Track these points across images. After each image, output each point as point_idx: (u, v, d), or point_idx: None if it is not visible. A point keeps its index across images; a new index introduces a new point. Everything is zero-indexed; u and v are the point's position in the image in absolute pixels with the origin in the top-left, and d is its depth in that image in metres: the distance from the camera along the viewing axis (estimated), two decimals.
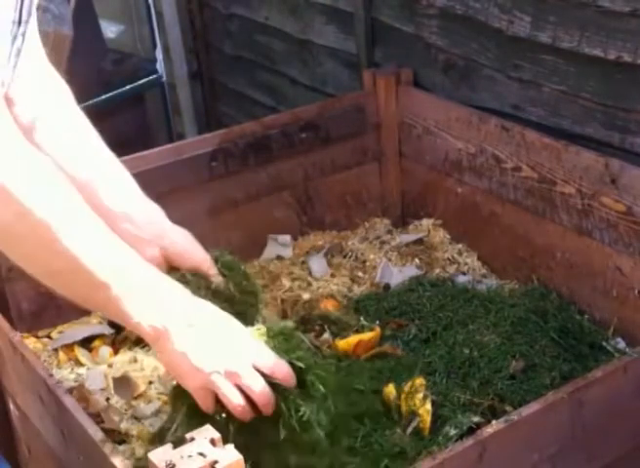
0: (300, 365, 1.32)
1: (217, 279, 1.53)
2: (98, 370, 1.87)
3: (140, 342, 1.94)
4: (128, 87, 3.44)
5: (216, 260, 1.59)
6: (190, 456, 1.20)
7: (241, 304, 1.52)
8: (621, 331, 1.87)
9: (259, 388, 1.26)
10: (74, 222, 1.22)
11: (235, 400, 1.25)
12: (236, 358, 1.26)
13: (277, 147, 2.26)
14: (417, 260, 2.24)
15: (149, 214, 1.56)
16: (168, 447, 1.23)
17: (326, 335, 1.91)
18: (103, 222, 1.27)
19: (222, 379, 1.24)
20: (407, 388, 1.61)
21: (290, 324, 1.45)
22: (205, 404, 1.28)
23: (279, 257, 2.29)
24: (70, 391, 1.68)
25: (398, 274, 2.17)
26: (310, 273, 2.22)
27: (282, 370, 1.28)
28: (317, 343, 1.88)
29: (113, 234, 1.27)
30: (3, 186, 1.15)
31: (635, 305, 1.84)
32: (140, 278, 1.26)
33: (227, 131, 2.25)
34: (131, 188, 1.57)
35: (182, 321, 1.26)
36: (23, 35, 1.25)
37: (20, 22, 1.23)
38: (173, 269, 1.53)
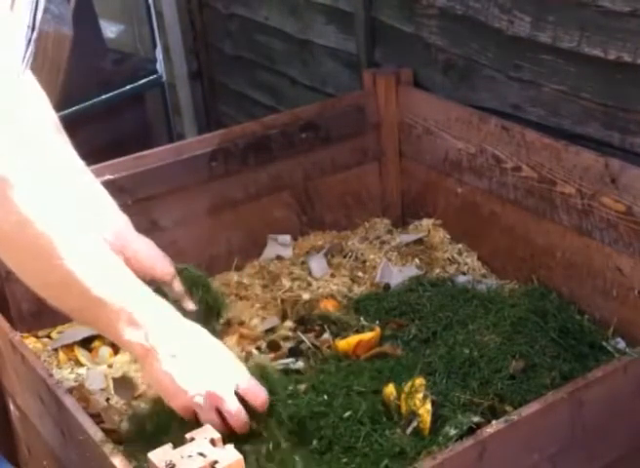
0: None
1: (178, 292, 1.55)
2: (98, 370, 1.87)
3: None
4: (128, 87, 3.44)
5: (179, 273, 1.59)
6: (190, 456, 1.20)
7: (200, 319, 1.51)
8: (621, 331, 1.87)
9: (234, 411, 1.32)
10: (74, 237, 1.22)
11: (214, 424, 1.29)
12: (218, 381, 1.32)
13: (277, 147, 2.27)
14: (417, 260, 2.24)
15: (115, 224, 1.58)
16: (168, 447, 1.23)
17: (326, 335, 1.91)
18: (100, 237, 1.28)
19: (203, 403, 1.31)
20: (407, 388, 1.61)
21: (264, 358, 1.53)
22: (189, 420, 1.34)
23: (279, 257, 2.29)
24: (70, 391, 1.68)
25: (398, 274, 2.17)
26: (310, 273, 2.22)
27: (258, 394, 1.36)
28: (317, 343, 1.89)
29: (109, 250, 1.28)
30: (6, 195, 1.14)
31: (635, 305, 1.84)
32: (133, 297, 1.28)
33: (227, 131, 2.25)
34: (100, 198, 1.58)
35: (170, 343, 1.29)
36: (34, 41, 1.26)
37: (33, 28, 1.23)
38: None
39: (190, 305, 1.60)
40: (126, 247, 1.56)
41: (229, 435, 1.32)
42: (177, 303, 1.54)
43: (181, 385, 1.30)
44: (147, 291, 1.32)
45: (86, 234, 1.25)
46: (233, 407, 1.32)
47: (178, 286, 1.58)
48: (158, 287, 1.53)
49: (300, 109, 2.36)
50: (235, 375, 1.35)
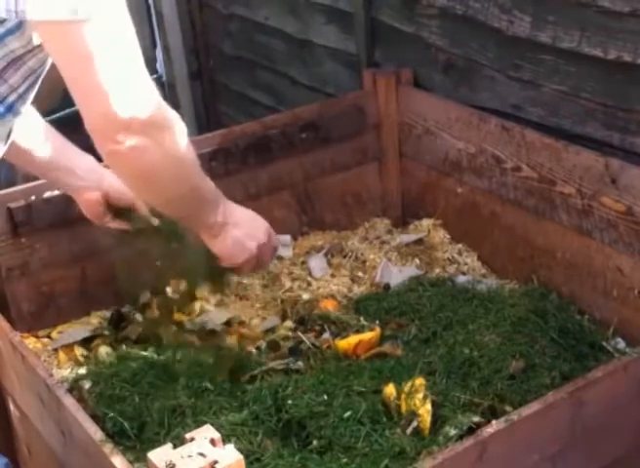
0: None
1: (144, 211, 1.83)
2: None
3: (139, 342, 1.94)
4: None
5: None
6: (190, 456, 1.20)
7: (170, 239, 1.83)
8: (621, 331, 1.87)
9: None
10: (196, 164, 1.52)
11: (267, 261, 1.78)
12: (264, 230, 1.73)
13: (277, 147, 2.27)
14: (417, 260, 2.24)
15: (88, 164, 1.79)
16: (168, 446, 1.23)
17: (326, 335, 1.91)
18: None
19: (263, 242, 1.71)
20: (407, 388, 1.61)
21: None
22: (243, 269, 1.74)
23: (279, 257, 2.29)
24: (70, 391, 1.68)
25: (398, 274, 2.17)
26: (310, 273, 2.22)
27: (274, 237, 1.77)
28: (317, 343, 1.89)
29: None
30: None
31: (635, 305, 1.84)
32: (219, 195, 1.63)
33: (227, 131, 2.25)
34: (68, 146, 1.79)
35: (232, 216, 1.65)
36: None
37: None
38: (112, 207, 1.83)
39: (155, 221, 1.85)
40: (102, 180, 1.80)
41: None
42: (144, 219, 1.84)
43: (245, 242, 1.67)
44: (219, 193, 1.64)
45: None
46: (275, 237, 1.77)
47: (142, 206, 1.83)
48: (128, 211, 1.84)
49: (300, 109, 2.36)
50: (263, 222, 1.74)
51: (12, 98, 1.44)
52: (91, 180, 1.80)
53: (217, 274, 1.81)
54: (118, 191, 1.79)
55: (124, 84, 1.33)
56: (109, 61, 1.30)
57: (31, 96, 1.50)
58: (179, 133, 1.43)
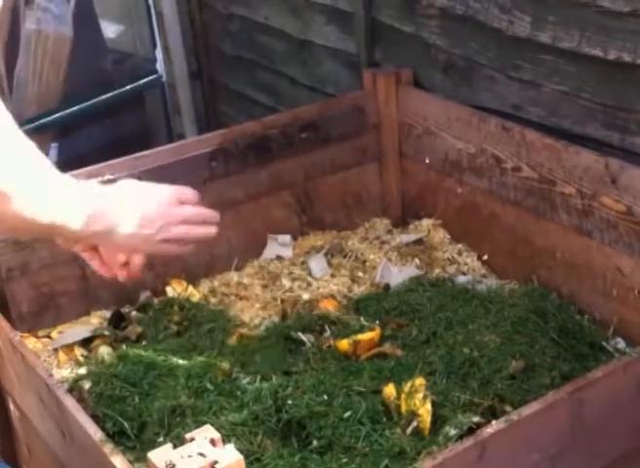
0: None
1: None
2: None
3: (139, 341, 1.94)
4: (128, 87, 3.44)
5: None
6: (190, 456, 1.20)
7: None
8: (621, 331, 1.87)
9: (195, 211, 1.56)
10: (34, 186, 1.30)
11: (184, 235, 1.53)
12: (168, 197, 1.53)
13: (277, 147, 2.27)
14: (417, 260, 2.24)
15: None
16: (168, 446, 1.23)
17: (326, 335, 1.91)
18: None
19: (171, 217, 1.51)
20: (407, 388, 1.61)
21: None
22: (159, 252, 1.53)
23: (279, 257, 2.29)
24: (70, 391, 1.68)
25: (398, 274, 2.17)
26: (310, 273, 2.22)
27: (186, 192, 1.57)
28: (317, 343, 1.88)
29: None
30: None
31: (635, 305, 1.84)
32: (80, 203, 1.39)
33: (227, 131, 2.25)
34: None
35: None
36: None
37: None
38: None
39: None
40: None
41: None
42: None
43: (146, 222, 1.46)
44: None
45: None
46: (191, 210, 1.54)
47: None
48: None
49: (300, 109, 2.36)
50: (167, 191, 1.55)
51: None
52: None
53: None
54: None
55: None
56: None
57: None
58: None
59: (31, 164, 1.30)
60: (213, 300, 2.13)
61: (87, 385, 1.74)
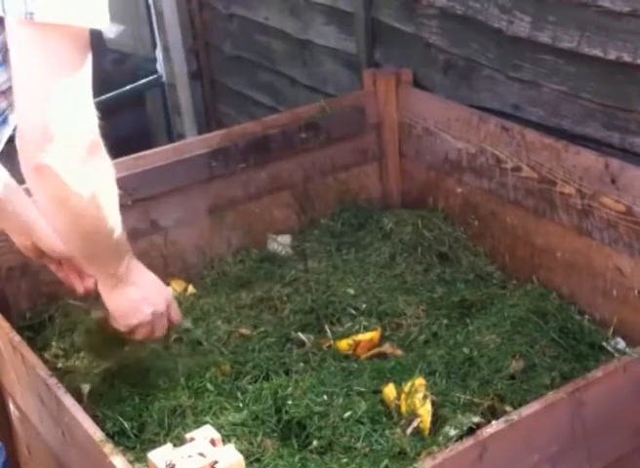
0: None
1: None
2: None
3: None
4: (128, 87, 3.44)
5: None
6: (190, 456, 1.20)
7: None
8: (621, 331, 1.87)
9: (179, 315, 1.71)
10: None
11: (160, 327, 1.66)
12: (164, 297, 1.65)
13: (277, 147, 2.26)
14: None
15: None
16: (168, 446, 1.23)
17: (326, 335, 1.91)
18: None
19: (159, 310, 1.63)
20: (407, 388, 1.61)
21: None
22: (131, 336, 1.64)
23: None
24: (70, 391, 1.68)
25: None
26: None
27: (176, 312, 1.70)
28: (317, 343, 1.88)
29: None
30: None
31: (635, 305, 1.84)
32: (129, 250, 1.57)
33: (227, 131, 2.25)
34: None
35: (130, 274, 1.57)
36: None
37: None
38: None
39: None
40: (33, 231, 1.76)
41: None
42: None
43: (141, 304, 1.59)
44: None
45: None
46: (177, 312, 1.69)
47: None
48: None
49: (300, 109, 2.36)
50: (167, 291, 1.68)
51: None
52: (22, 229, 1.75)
53: (105, 341, 1.74)
54: (46, 245, 1.74)
55: (74, 101, 1.38)
56: (70, 74, 1.36)
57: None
58: (110, 167, 1.40)
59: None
60: (213, 300, 2.13)
61: (87, 386, 1.75)
